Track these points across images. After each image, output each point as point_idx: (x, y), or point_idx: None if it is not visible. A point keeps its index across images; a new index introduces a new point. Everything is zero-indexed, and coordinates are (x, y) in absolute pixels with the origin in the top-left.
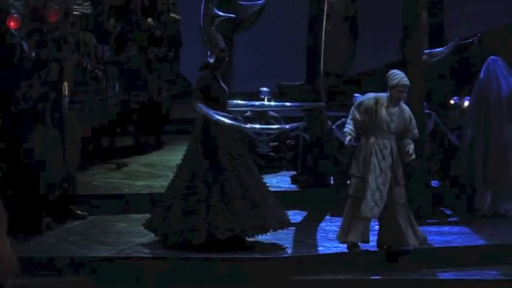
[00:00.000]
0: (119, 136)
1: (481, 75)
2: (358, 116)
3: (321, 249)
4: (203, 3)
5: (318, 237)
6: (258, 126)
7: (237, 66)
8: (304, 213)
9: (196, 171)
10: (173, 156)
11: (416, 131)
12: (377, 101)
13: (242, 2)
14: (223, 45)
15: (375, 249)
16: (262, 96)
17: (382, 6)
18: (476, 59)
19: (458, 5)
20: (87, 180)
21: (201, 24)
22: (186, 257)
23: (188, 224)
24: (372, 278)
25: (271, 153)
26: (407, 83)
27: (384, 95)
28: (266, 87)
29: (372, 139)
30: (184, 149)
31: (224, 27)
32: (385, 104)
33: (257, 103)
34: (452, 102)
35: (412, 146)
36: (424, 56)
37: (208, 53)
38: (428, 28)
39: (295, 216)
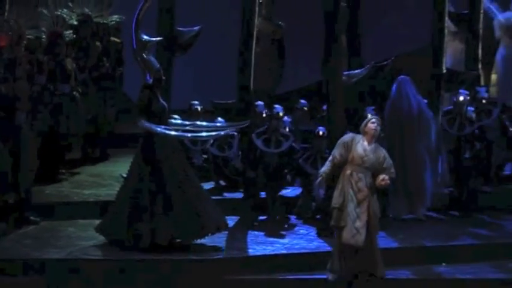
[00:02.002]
0: (68, 149)
1: (392, 94)
2: (338, 156)
3: (251, 252)
4: (133, 30)
5: (249, 240)
6: (204, 134)
7: (175, 84)
8: (236, 218)
9: (141, 181)
10: (117, 167)
11: (393, 170)
12: (353, 138)
13: (180, 28)
14: (158, 66)
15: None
16: (195, 107)
17: (306, 31)
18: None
19: (374, 30)
20: (40, 189)
21: (133, 48)
22: (131, 259)
23: (134, 229)
24: (296, 277)
25: (204, 164)
26: (378, 117)
27: (359, 135)
28: (202, 104)
29: (349, 172)
30: (127, 161)
31: (165, 50)
32: (361, 141)
33: (189, 135)
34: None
35: (386, 176)
36: (343, 77)
37: (147, 74)
38: (347, 51)
39: (228, 221)
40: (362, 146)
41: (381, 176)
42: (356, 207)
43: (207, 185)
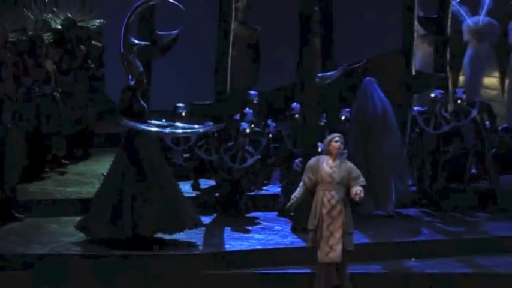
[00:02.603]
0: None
1: (358, 95)
2: (307, 179)
3: (227, 247)
4: (122, 33)
5: (225, 236)
6: (180, 131)
7: (156, 86)
8: (213, 216)
9: (123, 179)
10: (99, 166)
11: (362, 178)
12: (318, 160)
13: (160, 32)
14: (141, 69)
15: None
16: (180, 111)
17: (280, 35)
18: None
19: (347, 33)
20: (24, 187)
21: (121, 51)
22: (112, 254)
23: (115, 224)
24: (271, 271)
25: (184, 164)
26: (342, 136)
27: (323, 156)
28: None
29: (321, 192)
30: (108, 160)
31: (143, 53)
32: (326, 161)
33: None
34: (343, 117)
35: (359, 188)
36: (317, 79)
37: (129, 76)
38: (320, 53)
39: (205, 218)
40: (327, 164)
41: (354, 190)
42: (329, 225)
43: (187, 184)
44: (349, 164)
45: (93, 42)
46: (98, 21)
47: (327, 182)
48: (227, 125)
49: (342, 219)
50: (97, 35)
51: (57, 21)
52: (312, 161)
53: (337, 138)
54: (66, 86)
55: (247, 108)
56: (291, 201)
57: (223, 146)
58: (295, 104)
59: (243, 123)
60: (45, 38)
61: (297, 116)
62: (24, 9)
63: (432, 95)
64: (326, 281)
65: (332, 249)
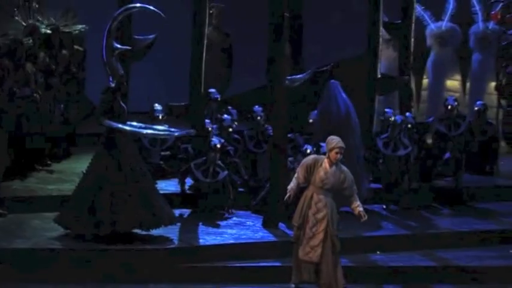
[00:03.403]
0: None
1: (323, 98)
2: (301, 176)
3: (201, 241)
4: (105, 37)
5: (199, 232)
6: (157, 133)
7: (133, 88)
8: (188, 211)
9: (102, 176)
10: (79, 164)
11: (355, 187)
12: (316, 161)
13: (137, 36)
14: (122, 71)
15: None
16: (157, 114)
17: (252, 40)
18: None
19: (315, 38)
20: (7, 185)
21: (103, 54)
22: (92, 249)
23: (95, 219)
24: (243, 265)
25: (161, 163)
26: (343, 145)
27: (322, 157)
28: (162, 108)
29: (310, 193)
30: (88, 159)
31: (123, 57)
32: (323, 165)
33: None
34: (311, 120)
35: (360, 208)
36: (286, 82)
37: (110, 78)
38: (289, 57)
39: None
40: (323, 169)
41: (357, 212)
42: (313, 226)
43: (164, 182)
44: (345, 172)
45: (75, 47)
46: (80, 26)
47: (318, 186)
48: (199, 131)
49: (326, 222)
50: (79, 40)
51: (42, 27)
52: (310, 160)
53: (338, 150)
54: (50, 89)
55: (225, 115)
56: (288, 194)
57: (194, 161)
58: (257, 106)
59: (213, 139)
60: (31, 42)
61: (259, 118)
62: (13, 15)
63: (392, 118)
64: (301, 274)
65: (313, 250)
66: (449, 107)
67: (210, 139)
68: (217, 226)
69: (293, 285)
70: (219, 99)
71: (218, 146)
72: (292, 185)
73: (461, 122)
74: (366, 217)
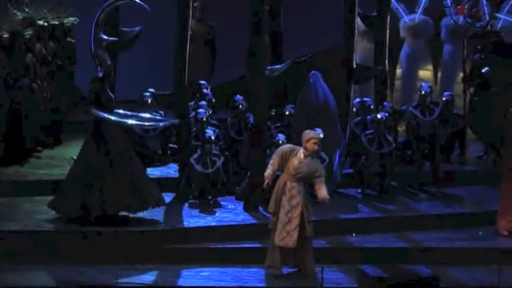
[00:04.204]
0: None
1: (304, 88)
2: (276, 163)
3: (186, 224)
4: (92, 29)
5: (183, 214)
6: (134, 121)
7: (120, 77)
8: (173, 195)
9: (92, 162)
10: (69, 151)
11: (323, 178)
12: (292, 150)
13: (123, 28)
14: (109, 62)
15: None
16: (146, 99)
17: (236, 31)
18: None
19: (294, 30)
20: (0, 170)
21: (91, 45)
22: (81, 231)
23: (85, 203)
24: (225, 246)
25: (158, 150)
26: (321, 137)
27: (298, 147)
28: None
29: (283, 181)
30: (78, 145)
31: (111, 48)
32: (297, 154)
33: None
34: (287, 112)
35: (322, 190)
36: (266, 71)
37: (98, 68)
38: (269, 48)
39: (166, 197)
40: (298, 159)
41: (321, 197)
42: (288, 212)
43: (160, 169)
44: (317, 163)
45: (68, 39)
46: (72, 19)
47: (291, 174)
48: (181, 122)
49: (300, 208)
50: (69, 32)
51: (37, 18)
52: (286, 148)
53: (316, 140)
54: (42, 78)
55: (200, 109)
56: (266, 180)
57: (191, 157)
58: (238, 95)
59: (207, 131)
60: (30, 34)
61: (240, 106)
62: (7, 7)
63: (378, 116)
64: (277, 260)
65: (288, 235)
66: (423, 92)
67: (205, 131)
68: (201, 209)
69: (265, 268)
70: (208, 94)
71: (213, 137)
72: (269, 171)
73: (435, 108)
74: (328, 201)
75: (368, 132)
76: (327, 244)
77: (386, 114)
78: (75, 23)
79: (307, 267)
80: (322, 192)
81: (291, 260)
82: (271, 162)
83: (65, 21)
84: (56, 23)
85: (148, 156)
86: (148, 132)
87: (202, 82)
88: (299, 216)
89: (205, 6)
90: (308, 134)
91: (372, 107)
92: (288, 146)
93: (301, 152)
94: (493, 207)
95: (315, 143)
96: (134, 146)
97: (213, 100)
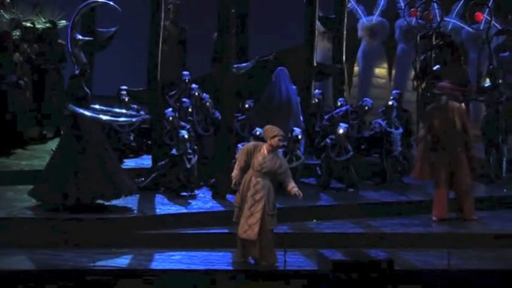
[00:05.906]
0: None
1: (269, 84)
2: (241, 159)
3: (158, 211)
4: (69, 29)
5: (156, 202)
6: (107, 117)
7: (97, 74)
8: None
9: (68, 153)
10: (49, 143)
11: (288, 172)
12: (255, 147)
13: (100, 29)
14: (85, 60)
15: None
16: (123, 97)
17: (207, 33)
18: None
19: (259, 30)
20: None
21: (68, 45)
22: (59, 217)
23: (62, 191)
24: (195, 231)
25: (132, 143)
26: (283, 134)
27: (261, 143)
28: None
29: (249, 176)
30: (57, 139)
31: (86, 48)
32: (261, 150)
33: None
34: (247, 105)
35: (295, 188)
36: (233, 69)
37: (75, 66)
38: (236, 48)
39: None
40: (262, 155)
41: (291, 191)
42: (251, 206)
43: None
44: (281, 158)
45: (59, 41)
46: (64, 22)
47: (256, 170)
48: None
49: (263, 202)
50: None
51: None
52: (250, 146)
53: (280, 137)
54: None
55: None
56: (234, 180)
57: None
58: (204, 94)
59: (181, 131)
60: (18, 34)
61: (207, 104)
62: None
63: (341, 131)
64: (242, 252)
65: (250, 228)
66: (391, 97)
67: (178, 132)
68: (172, 197)
69: (235, 259)
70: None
71: (186, 136)
72: (235, 171)
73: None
74: (301, 195)
75: (331, 137)
76: (289, 229)
77: (347, 126)
78: (61, 25)
79: (266, 258)
80: (291, 187)
81: (252, 252)
82: (237, 162)
83: (58, 23)
84: (49, 25)
85: (122, 151)
86: (124, 128)
87: (184, 73)
88: (261, 210)
89: (178, 9)
90: (273, 130)
91: (367, 108)
92: (252, 143)
93: (264, 148)
94: None
95: (279, 140)
96: (111, 140)
97: (203, 99)
